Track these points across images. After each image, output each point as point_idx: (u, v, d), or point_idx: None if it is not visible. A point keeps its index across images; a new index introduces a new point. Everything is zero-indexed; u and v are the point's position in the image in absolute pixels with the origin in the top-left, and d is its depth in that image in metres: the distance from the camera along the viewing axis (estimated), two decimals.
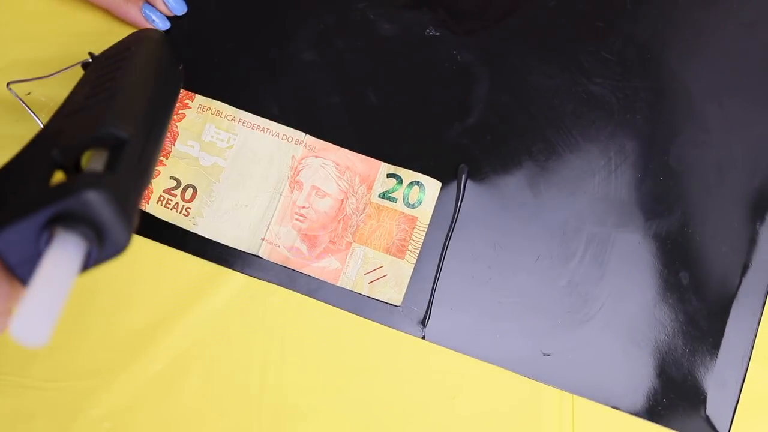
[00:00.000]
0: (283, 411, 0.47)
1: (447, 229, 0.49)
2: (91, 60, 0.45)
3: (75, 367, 0.48)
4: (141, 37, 0.45)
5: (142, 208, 0.49)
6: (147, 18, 0.51)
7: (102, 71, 0.41)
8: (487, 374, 0.47)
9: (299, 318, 0.48)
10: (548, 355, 0.47)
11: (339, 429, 0.47)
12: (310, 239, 0.49)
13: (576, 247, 0.49)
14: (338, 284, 0.48)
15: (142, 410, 0.47)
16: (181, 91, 0.51)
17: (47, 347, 0.46)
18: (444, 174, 0.50)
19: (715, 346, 0.47)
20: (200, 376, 0.48)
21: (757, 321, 0.47)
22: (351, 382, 0.48)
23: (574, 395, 0.47)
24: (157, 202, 0.49)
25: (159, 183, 0.49)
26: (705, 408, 0.46)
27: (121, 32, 0.53)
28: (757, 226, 0.49)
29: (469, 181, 0.50)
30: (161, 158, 0.50)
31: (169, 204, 0.49)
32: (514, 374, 0.47)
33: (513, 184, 0.50)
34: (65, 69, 0.46)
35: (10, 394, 0.47)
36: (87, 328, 0.48)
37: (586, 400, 0.47)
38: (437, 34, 0.52)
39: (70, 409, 0.47)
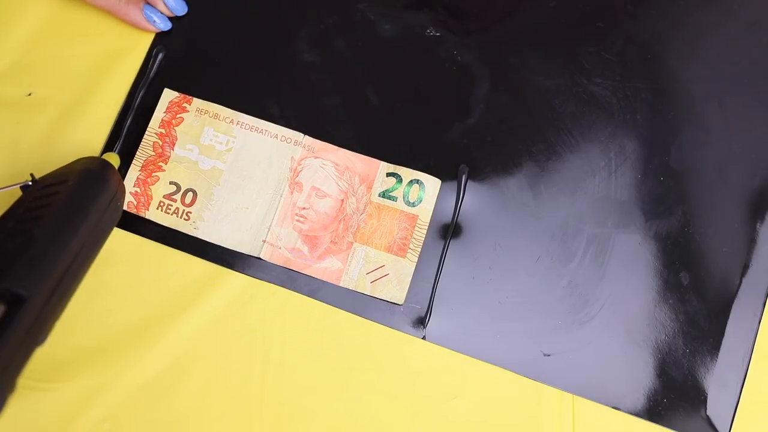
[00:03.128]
0: (283, 411, 0.47)
1: (447, 230, 0.49)
2: (30, 183, 0.43)
3: (75, 367, 0.48)
4: (83, 170, 0.44)
5: (142, 215, 0.49)
6: (148, 18, 0.51)
7: (32, 204, 0.41)
8: (488, 374, 0.47)
9: (299, 318, 0.48)
10: (549, 355, 0.47)
11: (339, 429, 0.47)
12: (311, 240, 0.49)
13: (576, 247, 0.49)
14: (340, 284, 0.48)
15: (142, 410, 0.47)
16: (180, 94, 0.51)
17: (47, 347, 0.47)
18: (444, 174, 0.50)
19: (715, 347, 0.47)
20: (200, 376, 0.48)
21: (757, 321, 0.47)
22: (351, 383, 0.48)
23: (575, 395, 0.47)
24: (157, 208, 0.49)
25: (158, 188, 0.49)
26: (705, 408, 0.46)
27: (121, 31, 0.53)
28: (758, 226, 0.49)
29: (469, 182, 0.50)
30: (160, 164, 0.50)
31: (170, 209, 0.49)
32: (515, 374, 0.47)
33: (513, 184, 0.50)
34: (4, 188, 0.44)
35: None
36: (87, 329, 0.48)
37: (587, 400, 0.47)
38: (437, 34, 0.52)
39: (70, 409, 0.47)
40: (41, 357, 0.47)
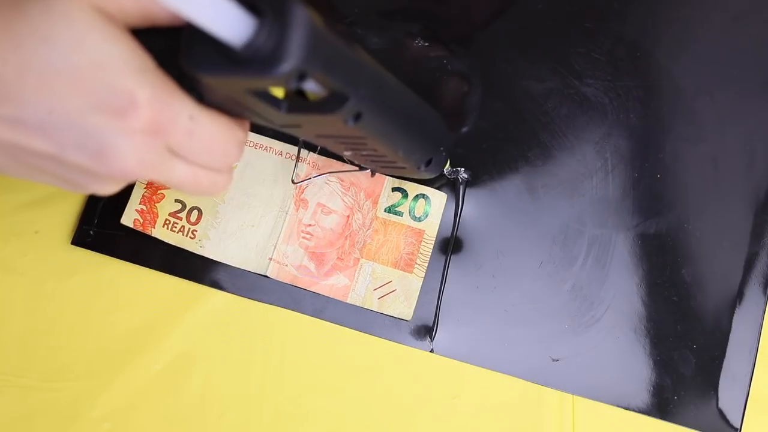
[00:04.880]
0: (283, 411, 0.47)
1: (448, 241, 0.49)
2: None
3: (75, 367, 0.48)
4: None
5: (149, 233, 0.49)
6: None
7: None
8: (488, 374, 0.48)
9: (300, 317, 0.49)
10: (557, 360, 0.47)
11: (339, 429, 0.47)
12: (317, 257, 0.49)
13: (578, 250, 0.49)
14: (348, 301, 0.48)
15: (142, 410, 0.48)
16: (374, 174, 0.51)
17: (47, 347, 0.47)
18: (442, 185, 0.50)
19: (722, 340, 0.47)
20: (200, 376, 0.48)
21: (761, 312, 0.48)
22: (351, 383, 0.48)
23: (575, 395, 0.47)
24: (163, 226, 0.49)
25: (164, 206, 0.49)
26: (717, 402, 0.47)
27: None
28: (757, 217, 0.49)
29: (467, 190, 0.50)
30: None
31: (175, 227, 0.49)
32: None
33: (511, 190, 0.50)
34: None
35: (10, 394, 0.47)
36: (87, 328, 0.49)
37: (587, 399, 0.47)
38: (426, 44, 0.52)
39: (70, 409, 0.47)
40: (41, 357, 0.48)
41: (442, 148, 0.42)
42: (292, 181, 0.49)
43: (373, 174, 0.49)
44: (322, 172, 0.49)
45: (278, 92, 0.29)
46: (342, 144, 0.37)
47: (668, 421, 0.46)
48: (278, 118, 0.31)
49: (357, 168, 0.48)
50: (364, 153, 0.38)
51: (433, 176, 0.45)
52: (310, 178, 0.49)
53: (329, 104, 0.30)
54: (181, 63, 0.28)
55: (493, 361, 0.48)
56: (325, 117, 0.30)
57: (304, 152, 0.50)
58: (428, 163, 0.41)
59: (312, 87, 0.29)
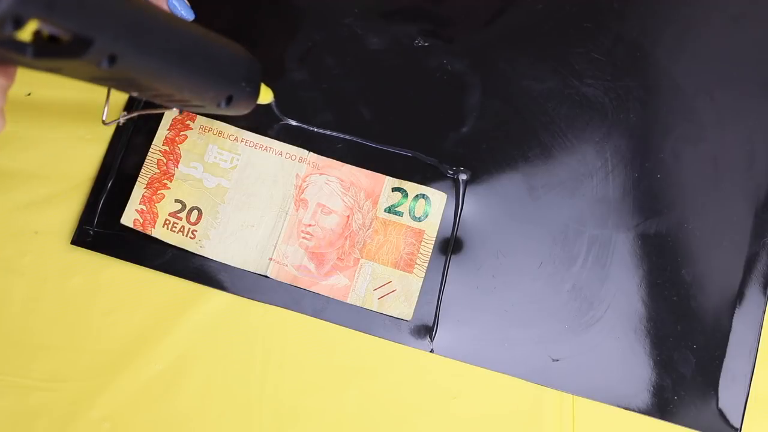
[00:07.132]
0: (282, 412, 0.47)
1: (448, 241, 0.49)
2: None
3: (75, 367, 0.48)
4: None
5: (149, 232, 0.49)
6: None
7: None
8: (488, 374, 0.48)
9: (300, 317, 0.49)
10: (557, 360, 0.47)
11: (339, 429, 0.47)
12: (317, 257, 0.49)
13: (578, 250, 0.49)
14: (347, 301, 0.48)
15: (142, 410, 0.48)
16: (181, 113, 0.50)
17: (47, 347, 0.47)
18: (442, 185, 0.50)
19: (723, 340, 0.47)
20: (200, 376, 0.48)
21: (761, 313, 0.48)
22: (351, 383, 0.48)
23: (575, 395, 0.47)
24: (163, 226, 0.49)
25: (164, 206, 0.49)
26: (717, 402, 0.47)
27: None
28: (756, 218, 0.49)
29: (467, 190, 0.50)
30: (165, 181, 0.49)
31: (175, 227, 0.49)
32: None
33: (511, 190, 0.50)
34: None
35: (10, 394, 0.48)
36: (87, 329, 0.49)
37: (587, 399, 0.47)
38: (426, 44, 0.53)
39: (70, 409, 0.47)
40: (41, 357, 0.48)
41: (243, 84, 0.39)
42: (103, 122, 0.46)
43: (181, 113, 0.47)
44: (132, 114, 0.46)
45: (25, 36, 0.26)
46: (121, 85, 0.34)
47: (668, 421, 0.47)
48: (31, 63, 0.28)
49: (163, 109, 0.43)
50: (149, 93, 0.35)
51: (243, 113, 0.41)
52: (118, 120, 0.46)
53: (73, 48, 0.28)
54: None
55: (493, 361, 0.48)
56: (76, 61, 0.28)
57: (304, 153, 0.50)
58: (229, 100, 0.39)
59: (54, 30, 0.26)
